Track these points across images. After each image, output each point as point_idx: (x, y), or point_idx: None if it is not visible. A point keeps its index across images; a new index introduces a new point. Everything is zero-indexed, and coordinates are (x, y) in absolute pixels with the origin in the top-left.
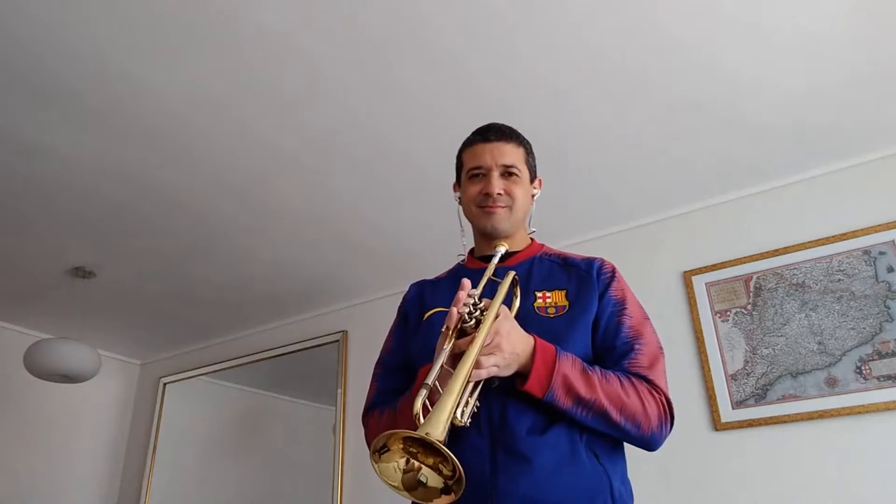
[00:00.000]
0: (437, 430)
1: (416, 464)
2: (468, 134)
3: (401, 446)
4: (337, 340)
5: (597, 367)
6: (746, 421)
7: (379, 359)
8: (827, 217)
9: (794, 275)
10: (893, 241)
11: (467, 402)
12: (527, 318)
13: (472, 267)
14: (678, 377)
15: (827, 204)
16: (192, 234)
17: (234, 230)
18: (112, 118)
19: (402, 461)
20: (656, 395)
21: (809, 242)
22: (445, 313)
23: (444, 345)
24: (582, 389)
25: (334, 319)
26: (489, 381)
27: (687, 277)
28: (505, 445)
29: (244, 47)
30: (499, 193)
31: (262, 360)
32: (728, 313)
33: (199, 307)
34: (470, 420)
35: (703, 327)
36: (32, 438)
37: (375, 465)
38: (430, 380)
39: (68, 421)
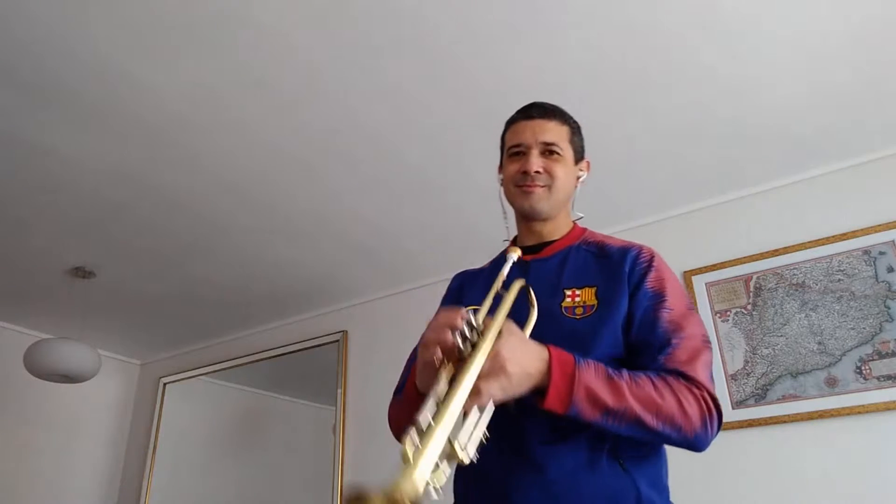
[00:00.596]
0: (408, 485)
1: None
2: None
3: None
4: (337, 340)
5: (624, 371)
6: (746, 421)
7: (416, 346)
8: (827, 217)
9: (794, 275)
10: (893, 241)
11: (471, 435)
12: (553, 319)
13: (516, 259)
14: None
15: (827, 204)
16: (192, 234)
17: (234, 230)
18: (112, 118)
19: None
20: (696, 391)
21: (809, 242)
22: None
23: (435, 377)
24: (609, 399)
25: (334, 319)
26: (504, 404)
27: (687, 277)
28: (520, 453)
29: (244, 47)
30: (537, 171)
31: (262, 360)
32: (728, 313)
33: (199, 307)
34: (477, 455)
35: None
36: (32, 438)
37: None
38: (422, 418)
39: (68, 421)
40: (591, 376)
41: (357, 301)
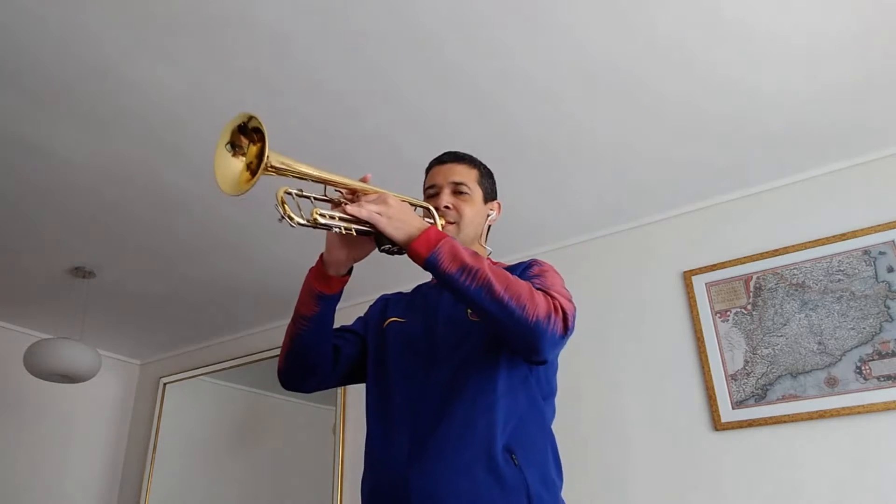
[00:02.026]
0: (272, 155)
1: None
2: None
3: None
4: None
5: None
6: (746, 421)
7: None
8: (827, 217)
9: (794, 275)
10: (893, 241)
11: (334, 217)
12: (458, 323)
13: (433, 283)
14: (678, 377)
15: (827, 204)
16: (192, 233)
17: (234, 230)
18: (112, 118)
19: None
20: (549, 297)
21: (809, 242)
22: (401, 323)
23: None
24: (467, 258)
25: (334, 319)
26: (380, 241)
27: (687, 277)
28: (419, 444)
29: (245, 48)
30: (446, 206)
31: (262, 360)
32: (728, 313)
33: (200, 307)
34: (336, 229)
35: (703, 327)
36: (32, 438)
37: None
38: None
39: (68, 421)
40: (459, 244)
41: (357, 301)
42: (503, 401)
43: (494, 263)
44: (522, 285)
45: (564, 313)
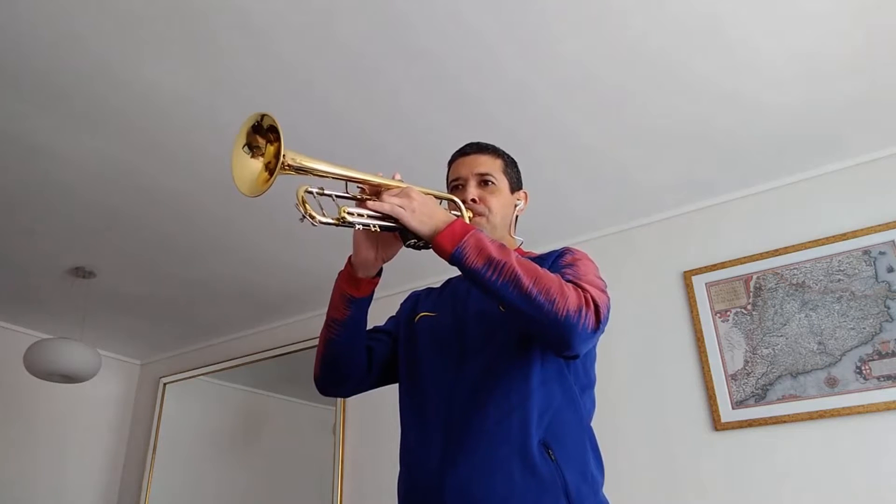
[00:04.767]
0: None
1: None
2: (456, 139)
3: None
4: None
5: None
6: (746, 421)
7: None
8: (827, 217)
9: (794, 275)
10: (893, 241)
11: (362, 214)
12: (486, 312)
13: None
14: (678, 377)
15: (827, 204)
16: (192, 234)
17: (234, 231)
18: (111, 118)
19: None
20: (580, 290)
21: (809, 242)
22: (432, 318)
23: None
24: (494, 252)
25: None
26: (405, 236)
27: (687, 277)
28: (457, 441)
29: (244, 49)
30: (473, 200)
31: (262, 360)
32: (728, 313)
33: (199, 307)
34: (359, 226)
35: (703, 327)
36: (32, 438)
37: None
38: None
39: (68, 421)
40: (486, 237)
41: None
42: (537, 393)
43: (524, 254)
44: (552, 278)
45: (596, 306)
